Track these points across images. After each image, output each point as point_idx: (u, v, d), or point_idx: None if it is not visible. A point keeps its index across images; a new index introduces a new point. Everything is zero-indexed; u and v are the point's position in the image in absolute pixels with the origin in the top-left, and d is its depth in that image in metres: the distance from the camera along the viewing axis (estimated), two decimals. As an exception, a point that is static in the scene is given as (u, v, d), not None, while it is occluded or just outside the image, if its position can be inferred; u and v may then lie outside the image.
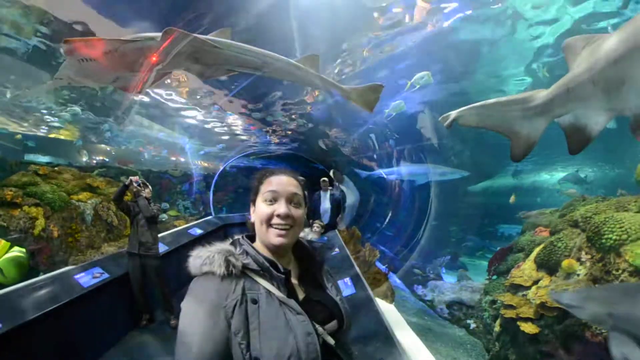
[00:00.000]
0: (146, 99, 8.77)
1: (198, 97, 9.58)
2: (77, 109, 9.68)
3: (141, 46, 4.19)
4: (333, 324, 1.31)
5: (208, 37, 4.39)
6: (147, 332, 5.23)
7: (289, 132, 13.33)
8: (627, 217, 5.52)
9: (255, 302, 1.16)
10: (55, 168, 7.93)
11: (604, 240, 5.45)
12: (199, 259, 1.21)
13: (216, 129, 13.03)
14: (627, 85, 2.66)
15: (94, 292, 4.74)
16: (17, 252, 5.93)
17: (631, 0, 6.72)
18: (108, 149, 13.50)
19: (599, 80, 2.89)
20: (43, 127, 10.57)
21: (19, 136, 10.27)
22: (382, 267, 10.27)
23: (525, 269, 6.49)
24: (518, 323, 5.68)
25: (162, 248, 5.94)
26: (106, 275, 5.08)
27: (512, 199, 13.97)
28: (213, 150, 15.95)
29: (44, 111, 9.78)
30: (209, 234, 8.88)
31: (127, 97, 5.34)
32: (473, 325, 7.57)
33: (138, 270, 5.24)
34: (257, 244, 1.35)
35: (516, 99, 3.85)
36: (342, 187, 16.48)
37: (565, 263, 5.80)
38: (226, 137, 14.29)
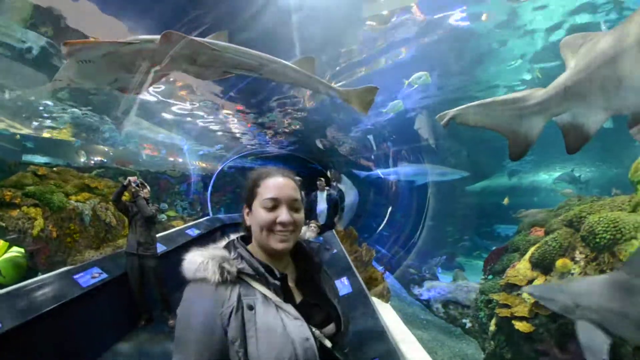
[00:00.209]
0: (144, 100, 8.80)
1: (196, 98, 9.61)
2: (77, 110, 9.71)
3: (140, 48, 4.23)
4: (331, 327, 1.30)
5: (205, 39, 4.44)
6: (145, 332, 5.28)
7: (287, 133, 13.35)
8: (621, 217, 5.56)
9: (251, 308, 1.14)
10: (54, 169, 7.94)
11: (598, 240, 5.50)
12: (192, 264, 1.18)
13: (215, 130, 13.05)
14: (625, 84, 2.64)
15: (92, 292, 4.79)
16: (15, 252, 5.94)
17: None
18: (106, 149, 13.51)
19: (596, 79, 2.86)
20: (42, 127, 10.58)
21: (17, 136, 10.27)
22: (379, 267, 10.32)
23: (520, 269, 6.52)
24: (513, 322, 5.71)
25: (161, 248, 5.99)
26: (105, 276, 5.14)
27: (505, 200, 14.01)
28: (211, 150, 15.97)
29: (44, 113, 9.79)
30: (207, 234, 8.93)
31: (126, 98, 5.38)
32: (469, 325, 7.63)
33: (136, 270, 5.29)
34: (253, 247, 1.34)
35: (513, 98, 3.81)
36: (341, 186, 16.54)
37: (559, 262, 5.84)
38: (224, 138, 14.32)
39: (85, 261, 5.65)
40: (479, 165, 14.55)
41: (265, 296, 1.19)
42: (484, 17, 7.29)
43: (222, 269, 1.16)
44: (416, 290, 10.24)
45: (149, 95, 8.72)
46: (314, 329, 1.21)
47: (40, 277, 4.73)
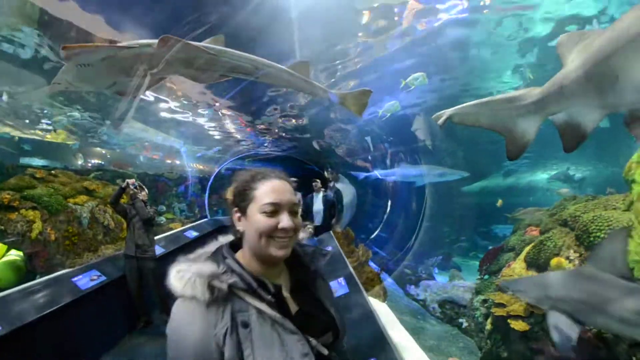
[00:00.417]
0: (142, 103, 8.83)
1: (194, 100, 9.65)
2: (76, 114, 9.73)
3: (138, 52, 4.28)
4: (328, 336, 1.26)
5: (202, 44, 4.49)
6: (144, 334, 5.29)
7: (284, 134, 13.40)
8: (615, 215, 5.62)
9: (246, 325, 1.09)
10: (52, 171, 7.98)
11: (592, 239, 5.56)
12: (179, 280, 1.12)
13: (212, 132, 13.10)
14: (621, 81, 2.62)
15: (91, 295, 4.80)
16: (14, 255, 5.96)
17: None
18: (104, 152, 13.52)
19: (592, 77, 2.84)
20: (40, 130, 10.59)
21: (16, 138, 10.28)
22: (375, 267, 10.35)
23: (516, 268, 6.58)
24: (509, 321, 5.75)
25: (159, 250, 6.00)
26: (103, 278, 5.14)
27: (499, 203, 14.03)
28: (209, 152, 16.00)
29: (42, 116, 9.81)
30: (205, 236, 8.94)
31: (124, 101, 5.41)
32: (465, 324, 7.67)
33: (135, 273, 5.30)
34: (245, 254, 1.27)
35: (510, 97, 3.81)
36: (338, 186, 16.57)
37: (553, 261, 5.90)
38: (222, 140, 14.36)
39: (83, 264, 5.67)
40: (475, 166, 14.57)
41: (259, 310, 1.12)
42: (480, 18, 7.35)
43: (211, 287, 1.10)
44: (412, 290, 10.27)
45: (146, 98, 8.75)
46: (311, 339, 1.18)
47: (39, 280, 4.73)
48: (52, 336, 4.13)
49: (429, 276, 11.69)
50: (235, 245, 1.33)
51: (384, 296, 6.97)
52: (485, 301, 7.09)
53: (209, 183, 16.05)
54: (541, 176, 16.42)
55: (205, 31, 5.77)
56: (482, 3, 7.00)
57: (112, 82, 4.87)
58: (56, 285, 4.64)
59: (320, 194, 9.35)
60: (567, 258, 5.85)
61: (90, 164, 12.78)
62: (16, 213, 6.02)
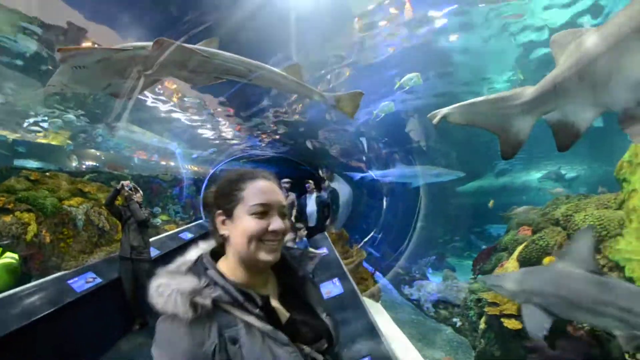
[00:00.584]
0: (137, 105, 8.83)
1: (188, 102, 9.66)
2: (71, 116, 9.72)
3: (133, 55, 4.30)
4: (322, 343, 1.20)
5: (196, 46, 4.52)
6: (140, 336, 5.29)
7: (278, 135, 13.42)
8: (606, 214, 5.70)
9: (235, 341, 1.02)
10: (47, 173, 7.97)
11: (583, 238, 5.63)
12: (160, 297, 1.03)
13: (207, 134, 13.11)
14: (614, 80, 2.62)
15: (87, 297, 4.81)
16: (9, 258, 5.95)
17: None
18: (98, 153, 13.48)
19: (585, 75, 2.84)
20: (33, 132, 10.56)
21: (10, 140, 10.24)
22: (369, 267, 10.40)
23: (509, 267, 6.64)
24: (502, 320, 5.82)
25: (154, 252, 6.01)
26: (99, 280, 5.15)
27: (490, 203, 14.09)
28: (203, 154, 16.00)
29: (36, 118, 9.79)
30: (200, 238, 8.95)
31: (119, 103, 5.42)
32: (459, 324, 7.72)
33: (130, 275, 5.31)
34: (228, 263, 1.19)
35: (504, 97, 3.81)
36: (334, 185, 16.59)
37: (545, 260, 5.97)
38: (217, 142, 14.36)
39: (79, 266, 5.67)
40: (469, 166, 14.61)
41: (248, 324, 1.05)
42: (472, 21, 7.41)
43: (194, 304, 1.01)
44: (406, 290, 10.32)
45: (141, 100, 8.76)
46: (304, 347, 1.13)
47: (35, 282, 4.75)
48: (48, 339, 4.14)
49: (423, 276, 11.74)
50: (217, 253, 1.24)
51: (378, 296, 7.01)
52: (479, 300, 7.15)
53: (204, 184, 16.03)
54: (535, 175, 16.46)
55: (202, 32, 5.80)
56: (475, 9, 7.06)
57: (106, 84, 4.89)
58: (52, 287, 4.66)
59: (314, 195, 9.39)
60: (559, 257, 5.91)
61: (84, 166, 12.74)
62: (11, 215, 6.01)
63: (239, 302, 1.07)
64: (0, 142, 9.93)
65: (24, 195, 6.39)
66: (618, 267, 5.17)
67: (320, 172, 17.36)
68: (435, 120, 4.23)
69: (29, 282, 4.97)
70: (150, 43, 4.21)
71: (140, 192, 5.77)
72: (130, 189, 5.58)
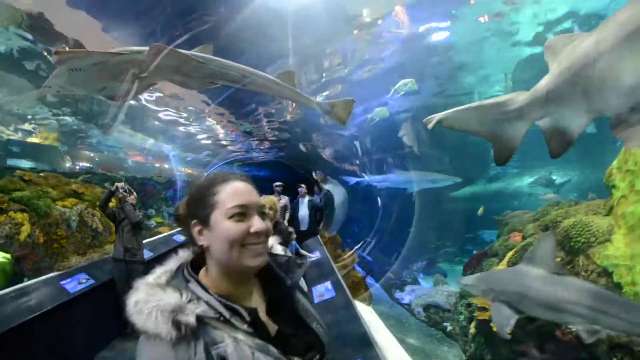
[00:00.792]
0: (133, 108, 8.85)
1: (184, 105, 9.70)
2: (66, 117, 9.71)
3: (129, 59, 4.34)
4: (313, 354, 1.15)
5: (191, 52, 4.58)
6: (133, 339, 5.28)
7: (272, 139, 13.47)
8: (595, 221, 5.78)
9: (223, 359, 0.95)
10: (41, 174, 7.95)
11: (572, 243, 5.71)
12: (139, 314, 0.96)
13: (201, 137, 13.15)
14: (608, 85, 2.58)
15: (80, 298, 4.80)
16: (1, 257, 5.94)
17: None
18: (92, 155, 13.46)
19: (578, 81, 2.80)
20: (28, 132, 10.53)
21: (6, 138, 10.21)
22: (361, 271, 10.43)
23: (499, 273, 6.72)
24: (491, 324, 5.87)
25: (147, 254, 6.02)
26: (92, 281, 5.15)
27: (480, 211, 14.14)
28: (198, 157, 16.01)
29: (32, 118, 9.77)
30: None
31: (114, 105, 5.45)
32: (449, 328, 7.77)
33: (124, 276, 5.32)
34: (210, 275, 1.12)
35: (497, 102, 3.76)
36: (328, 187, 16.60)
37: (535, 266, 6.04)
38: (211, 145, 14.40)
39: (72, 267, 5.66)
40: (461, 171, 14.69)
41: (236, 339, 0.98)
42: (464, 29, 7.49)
43: (176, 322, 0.93)
44: (398, 295, 10.35)
45: (137, 102, 8.78)
46: (295, 359, 1.09)
47: (28, 282, 4.74)
48: (41, 339, 4.14)
49: (414, 281, 11.78)
50: (196, 263, 1.17)
51: (370, 300, 7.06)
52: (469, 305, 7.21)
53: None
54: (528, 181, 16.57)
55: (199, 36, 5.85)
56: (467, 15, 7.14)
57: (102, 87, 4.93)
58: (45, 288, 4.65)
59: (306, 199, 9.42)
60: (548, 262, 5.99)
61: (78, 167, 12.71)
62: (4, 215, 6.00)
63: (225, 318, 1.00)
64: (-6, 141, 9.91)
65: (18, 196, 6.37)
66: (606, 273, 5.25)
67: (314, 174, 17.38)
68: (430, 126, 4.19)
69: (21, 282, 4.95)
70: (146, 48, 4.26)
71: (135, 194, 5.79)
72: (125, 191, 5.60)
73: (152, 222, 11.68)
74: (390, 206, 16.34)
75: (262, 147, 15.14)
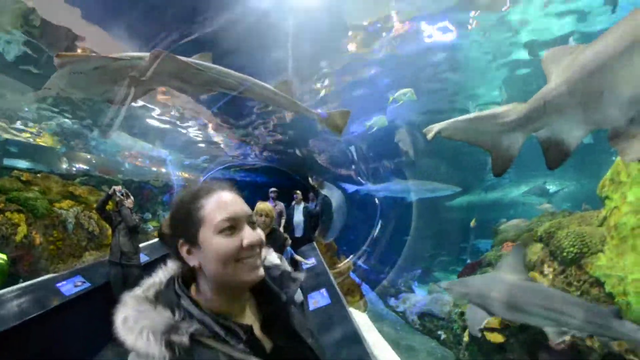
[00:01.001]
0: (131, 112, 8.88)
1: (182, 110, 9.73)
2: (66, 119, 9.73)
3: (129, 64, 4.39)
4: None
5: (191, 59, 4.64)
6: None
7: (269, 146, 13.52)
8: (587, 231, 5.84)
9: None
10: (38, 175, 7.96)
11: (565, 254, 5.77)
12: (129, 332, 0.90)
13: (199, 142, 13.19)
14: (606, 97, 2.60)
15: (75, 301, 4.80)
16: (-3, 257, 5.95)
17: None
18: (89, 157, 13.45)
19: (576, 93, 2.82)
20: (27, 133, 10.53)
21: (1, 139, 10.20)
22: (356, 279, 10.44)
23: (492, 282, 6.76)
24: (485, 333, 5.91)
25: (143, 258, 6.03)
26: (88, 284, 5.15)
27: (472, 222, 14.17)
28: (196, 162, 16.04)
29: (31, 119, 9.78)
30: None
31: (113, 108, 5.49)
32: (443, 336, 7.78)
33: (120, 280, 5.32)
34: (202, 292, 1.06)
35: (495, 113, 3.79)
36: (326, 192, 16.60)
37: (528, 276, 6.11)
38: (209, 150, 14.44)
39: (67, 269, 5.66)
40: (458, 180, 14.73)
41: (231, 357, 0.94)
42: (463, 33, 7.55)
43: (169, 343, 0.88)
44: (392, 302, 10.36)
45: (136, 108, 8.82)
46: None
47: (23, 284, 4.74)
48: (36, 341, 4.14)
49: (409, 289, 11.80)
50: (186, 276, 1.11)
51: (365, 307, 7.08)
52: (462, 314, 7.24)
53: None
54: (523, 190, 16.59)
55: (197, 43, 5.90)
56: (468, 25, 7.21)
57: (102, 90, 4.97)
58: (40, 290, 4.65)
59: (301, 206, 9.44)
60: (542, 273, 6.04)
61: (74, 169, 12.70)
62: (1, 215, 6.00)
63: (220, 338, 0.96)
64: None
65: (15, 196, 6.38)
66: (599, 283, 5.31)
67: (310, 179, 17.40)
68: (429, 136, 4.25)
69: (17, 283, 4.95)
70: (147, 54, 4.31)
71: (132, 198, 5.80)
72: (122, 195, 5.61)
73: (150, 226, 11.69)
74: (387, 214, 16.36)
75: (259, 153, 15.18)
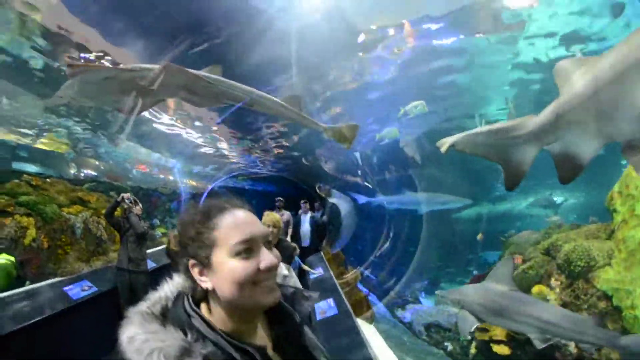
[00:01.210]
0: (140, 120, 8.96)
1: (190, 119, 9.81)
2: (77, 127, 9.84)
3: (139, 75, 4.45)
4: None
5: (201, 72, 4.70)
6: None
7: (276, 155, 13.56)
8: (595, 245, 5.80)
9: None
10: (48, 180, 8.04)
11: (572, 267, 5.73)
12: (137, 354, 0.84)
13: (208, 151, 13.27)
14: (621, 110, 2.53)
15: (82, 305, 4.85)
16: (4, 259, 5.98)
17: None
18: (97, 163, 13.55)
19: (590, 105, 2.75)
20: (37, 137, 10.65)
21: (12, 144, 10.30)
22: (364, 289, 10.39)
23: (499, 295, 6.72)
24: (491, 345, 5.88)
25: (151, 264, 6.07)
26: (95, 289, 5.20)
27: (479, 236, 14.07)
28: (205, 170, 16.13)
29: (42, 125, 9.89)
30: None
31: (123, 117, 5.57)
32: (450, 348, 7.73)
33: (127, 286, 5.36)
34: (214, 313, 1.00)
35: (507, 127, 3.73)
36: (334, 201, 16.56)
37: (535, 288, 6.07)
38: (217, 159, 14.50)
39: (75, 273, 5.71)
40: (465, 192, 14.65)
41: None
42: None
43: None
44: (399, 313, 10.30)
45: (146, 118, 8.90)
46: None
47: (31, 286, 4.80)
48: (43, 343, 4.18)
49: (416, 300, 11.73)
50: (194, 292, 1.05)
51: (372, 318, 7.05)
52: (468, 325, 7.18)
53: (202, 199, 16.04)
54: (530, 201, 16.46)
55: (205, 52, 5.97)
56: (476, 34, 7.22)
57: (112, 100, 5.05)
58: (48, 293, 4.71)
59: (308, 215, 9.43)
60: (549, 286, 6.00)
61: (82, 174, 12.79)
62: (10, 218, 6.06)
63: (235, 359, 0.91)
64: (2, 144, 9.98)
65: (25, 200, 6.45)
66: (606, 297, 5.27)
67: (317, 189, 17.38)
68: (443, 149, 4.20)
69: (23, 286, 4.99)
70: (157, 66, 4.38)
71: (140, 205, 5.86)
72: (130, 202, 5.67)
73: (158, 233, 11.74)
74: (395, 225, 16.29)
75: (266, 162, 15.22)
